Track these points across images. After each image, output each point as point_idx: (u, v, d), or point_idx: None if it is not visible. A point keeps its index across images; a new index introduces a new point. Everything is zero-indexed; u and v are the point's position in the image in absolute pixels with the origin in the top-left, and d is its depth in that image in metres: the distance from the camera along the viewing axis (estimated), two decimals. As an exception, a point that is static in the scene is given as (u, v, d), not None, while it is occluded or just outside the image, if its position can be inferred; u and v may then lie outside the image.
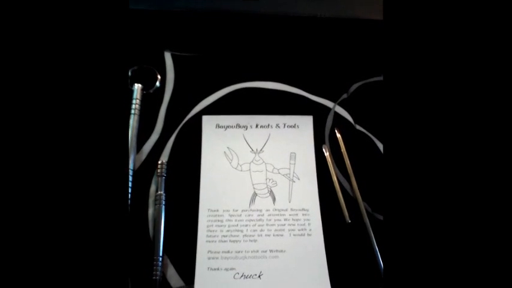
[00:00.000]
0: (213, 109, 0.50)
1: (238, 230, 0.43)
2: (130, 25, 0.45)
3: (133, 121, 0.47)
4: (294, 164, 0.47)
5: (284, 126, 0.49)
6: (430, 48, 0.29)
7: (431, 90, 0.29)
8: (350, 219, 0.44)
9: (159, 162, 0.45)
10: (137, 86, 0.49)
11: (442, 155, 0.28)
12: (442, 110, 0.28)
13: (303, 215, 0.44)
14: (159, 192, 0.44)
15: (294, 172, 0.46)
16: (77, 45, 0.28)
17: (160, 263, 0.40)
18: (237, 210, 0.44)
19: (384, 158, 0.46)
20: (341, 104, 0.51)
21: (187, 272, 0.41)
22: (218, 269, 0.41)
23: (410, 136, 0.29)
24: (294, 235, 0.43)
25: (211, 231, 0.43)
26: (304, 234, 0.43)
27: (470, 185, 0.27)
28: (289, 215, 0.44)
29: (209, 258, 0.41)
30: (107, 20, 0.29)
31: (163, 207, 0.43)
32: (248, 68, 0.52)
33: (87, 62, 0.28)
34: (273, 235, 0.43)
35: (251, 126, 0.49)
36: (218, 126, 0.49)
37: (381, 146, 0.48)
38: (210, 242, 0.42)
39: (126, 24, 0.30)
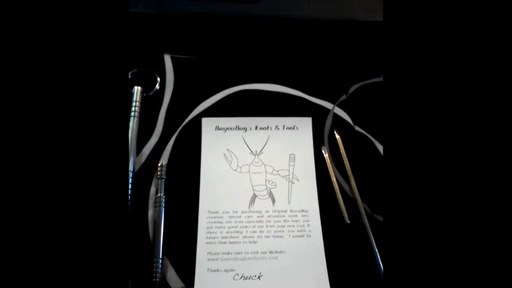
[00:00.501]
0: (213, 111, 0.50)
1: (237, 232, 0.43)
2: (130, 28, 0.45)
3: (133, 123, 0.47)
4: (293, 165, 0.47)
5: (283, 128, 0.49)
6: (430, 49, 0.29)
7: (431, 91, 0.29)
8: (349, 220, 0.44)
9: (159, 164, 0.45)
10: (137, 89, 0.49)
11: (441, 155, 0.28)
12: (442, 111, 0.29)
13: (302, 216, 0.44)
14: (158, 194, 0.44)
15: (293, 173, 0.47)
16: (76, 48, 0.28)
17: (160, 265, 0.40)
18: (236, 212, 0.44)
19: (383, 159, 0.47)
20: (340, 106, 0.51)
21: (187, 273, 0.41)
22: (218, 270, 0.41)
23: (410, 137, 0.29)
24: (294, 236, 0.43)
25: (211, 232, 0.43)
26: (303, 236, 0.43)
27: (469, 186, 0.27)
28: (289, 216, 0.44)
29: (209, 260, 0.41)
30: (106, 23, 0.29)
31: (163, 209, 0.43)
32: (247, 70, 0.52)
33: (86, 65, 0.28)
34: (273, 236, 0.43)
35: (250, 128, 0.49)
36: (218, 128, 0.49)
37: (380, 147, 0.49)
38: (209, 243, 0.42)
39: (125, 27, 0.30)
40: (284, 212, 0.44)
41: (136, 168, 0.46)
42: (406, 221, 0.28)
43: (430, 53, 0.29)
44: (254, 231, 0.43)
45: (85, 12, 0.29)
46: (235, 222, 0.43)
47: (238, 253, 0.42)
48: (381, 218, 0.45)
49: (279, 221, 0.44)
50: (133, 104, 0.48)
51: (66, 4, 0.28)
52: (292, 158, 0.48)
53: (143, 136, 0.48)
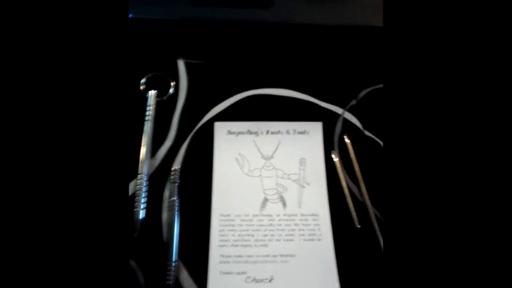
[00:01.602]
0: (225, 116, 0.51)
1: (249, 235, 0.44)
2: (144, 34, 0.46)
3: (147, 127, 0.48)
4: (304, 169, 0.48)
5: (294, 132, 0.50)
6: (431, 54, 0.30)
7: (432, 96, 0.30)
8: (359, 224, 0.45)
9: (172, 169, 0.47)
10: (151, 93, 0.51)
11: (441, 157, 0.29)
12: (441, 114, 0.29)
13: (313, 220, 0.45)
14: (172, 198, 0.45)
15: (303, 177, 0.47)
16: (76, 50, 0.30)
17: (174, 268, 0.41)
18: (248, 215, 0.45)
19: (385, 161, 0.47)
20: (350, 110, 0.52)
21: (200, 275, 0.42)
22: (230, 272, 0.42)
23: (412, 141, 0.30)
24: (304, 240, 0.44)
25: (223, 235, 0.44)
26: (314, 239, 0.44)
27: (469, 185, 0.28)
28: (299, 220, 0.45)
29: (221, 262, 0.42)
30: (106, 28, 0.30)
31: (176, 213, 0.44)
32: (259, 75, 0.53)
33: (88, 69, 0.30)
34: (283, 240, 0.44)
35: (262, 133, 0.50)
36: (230, 132, 0.50)
37: (389, 151, 0.49)
38: (222, 246, 0.43)
39: (125, 32, 0.32)
40: (295, 215, 0.45)
41: (151, 171, 0.47)
42: (408, 222, 0.29)
43: (430, 57, 0.30)
44: (265, 235, 0.44)
45: (84, 17, 0.30)
46: (247, 225, 0.44)
47: (250, 256, 0.43)
48: (390, 222, 0.45)
49: (290, 225, 0.44)
50: (148, 108, 0.50)
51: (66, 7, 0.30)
52: (302, 162, 0.48)
53: (157, 140, 0.49)
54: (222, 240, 0.43)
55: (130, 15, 0.54)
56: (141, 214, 0.44)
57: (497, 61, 0.29)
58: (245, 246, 0.43)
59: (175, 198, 0.45)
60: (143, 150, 0.47)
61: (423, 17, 0.31)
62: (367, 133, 0.50)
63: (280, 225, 0.44)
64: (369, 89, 0.53)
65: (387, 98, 0.31)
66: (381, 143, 0.50)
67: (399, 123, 0.30)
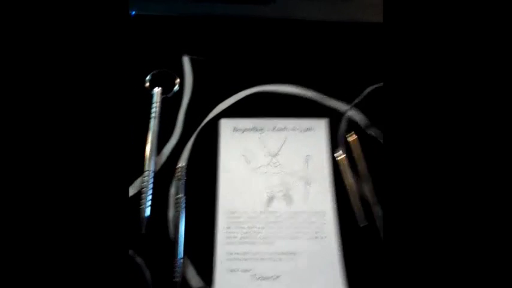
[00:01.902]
0: (231, 112, 0.51)
1: (255, 232, 0.44)
2: (149, 31, 0.46)
3: (153, 124, 0.48)
4: (310, 166, 0.48)
5: (300, 129, 0.50)
6: (431, 51, 0.30)
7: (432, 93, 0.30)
8: (365, 222, 0.45)
9: (178, 166, 0.47)
10: (156, 90, 0.50)
11: (441, 156, 0.29)
12: (442, 113, 0.29)
13: (318, 217, 0.45)
14: (179, 195, 0.45)
15: (309, 175, 0.47)
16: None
17: (180, 265, 0.41)
18: (254, 213, 0.45)
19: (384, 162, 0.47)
20: (355, 107, 0.52)
21: (207, 273, 0.42)
22: (237, 270, 0.42)
23: (412, 138, 0.30)
24: (310, 238, 0.44)
25: (229, 233, 0.44)
26: (319, 237, 0.44)
27: (469, 186, 0.28)
28: (305, 217, 0.45)
29: (228, 260, 0.42)
30: (110, 26, 0.30)
31: (183, 210, 0.44)
32: (265, 72, 0.53)
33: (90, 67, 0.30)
34: (289, 237, 0.44)
35: (268, 129, 0.50)
36: (235, 129, 0.50)
37: (395, 148, 0.49)
38: (228, 243, 0.43)
39: (129, 29, 0.32)
40: (300, 213, 0.45)
41: (157, 168, 0.47)
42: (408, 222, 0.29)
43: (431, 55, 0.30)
44: (271, 232, 0.44)
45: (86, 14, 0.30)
46: (253, 222, 0.44)
47: (256, 253, 0.43)
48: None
49: (295, 223, 0.44)
50: (153, 105, 0.50)
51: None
52: (308, 159, 0.48)
53: (163, 137, 0.49)
54: (228, 238, 0.43)
55: (134, 12, 0.54)
56: (147, 211, 0.44)
57: (498, 56, 0.29)
58: (251, 243, 0.43)
59: (181, 195, 0.45)
60: (149, 148, 0.47)
61: (423, 13, 0.30)
62: (372, 130, 0.50)
63: (286, 222, 0.44)
64: (375, 86, 0.53)
65: (388, 95, 0.31)
66: (387, 140, 0.49)
67: (400, 121, 0.30)
